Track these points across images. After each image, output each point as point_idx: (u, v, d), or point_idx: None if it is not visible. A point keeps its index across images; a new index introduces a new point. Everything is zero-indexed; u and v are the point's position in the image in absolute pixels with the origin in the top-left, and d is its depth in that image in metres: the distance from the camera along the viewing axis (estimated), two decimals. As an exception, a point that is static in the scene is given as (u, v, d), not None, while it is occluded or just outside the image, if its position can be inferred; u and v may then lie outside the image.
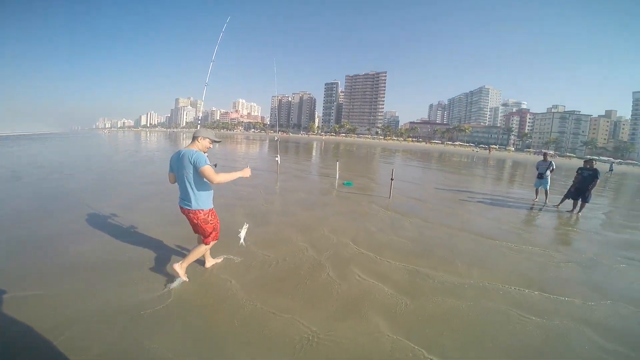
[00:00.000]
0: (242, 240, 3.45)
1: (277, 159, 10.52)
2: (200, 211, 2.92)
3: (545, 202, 8.71)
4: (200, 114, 7.12)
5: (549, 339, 2.55)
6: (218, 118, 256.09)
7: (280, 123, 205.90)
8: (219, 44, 5.47)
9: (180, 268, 3.01)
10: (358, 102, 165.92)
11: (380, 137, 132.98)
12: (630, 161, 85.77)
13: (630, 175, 34.94)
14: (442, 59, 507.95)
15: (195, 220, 2.95)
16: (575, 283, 3.66)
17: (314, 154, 26.29)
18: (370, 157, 26.19)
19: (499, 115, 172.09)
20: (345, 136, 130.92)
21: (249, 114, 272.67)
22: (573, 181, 7.95)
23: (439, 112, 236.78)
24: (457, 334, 2.54)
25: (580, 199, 7.62)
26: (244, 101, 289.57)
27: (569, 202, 7.97)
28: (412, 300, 2.99)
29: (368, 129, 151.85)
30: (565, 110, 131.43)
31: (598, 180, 7.48)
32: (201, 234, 3.07)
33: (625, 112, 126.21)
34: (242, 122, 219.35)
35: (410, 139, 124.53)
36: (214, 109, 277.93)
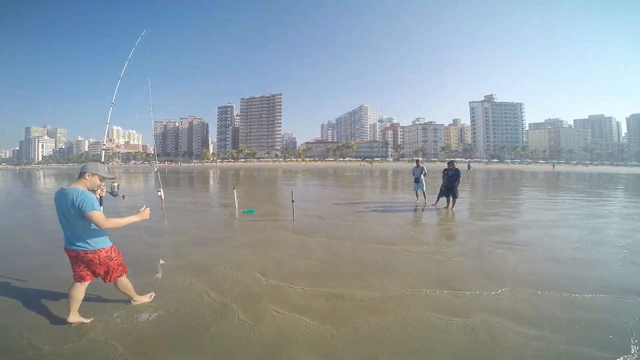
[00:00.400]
0: (159, 274, 3.43)
1: (159, 193, 9.04)
2: (101, 250, 2.76)
3: (425, 203, 10.25)
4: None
5: (478, 337, 2.68)
6: (86, 149, 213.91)
7: (168, 152, 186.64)
8: (129, 60, 4.78)
9: (139, 300, 3.13)
10: (255, 125, 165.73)
11: (280, 159, 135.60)
12: (476, 159, 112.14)
13: (478, 170, 46.11)
14: (329, 80, 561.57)
15: (96, 261, 2.74)
16: (473, 275, 4.12)
17: (210, 183, 24.50)
18: (273, 181, 26.12)
19: (377, 130, 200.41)
20: (245, 161, 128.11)
21: (126, 142, 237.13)
22: (442, 181, 9.59)
23: (330, 131, 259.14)
24: (392, 352, 2.50)
25: (450, 195, 9.22)
26: (119, 128, 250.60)
27: (443, 200, 9.58)
28: (337, 327, 2.84)
29: (267, 152, 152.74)
30: (425, 121, 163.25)
31: (460, 178, 9.16)
32: (104, 274, 2.84)
33: (466, 119, 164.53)
34: (119, 152, 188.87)
35: (307, 159, 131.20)
36: (80, 138, 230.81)
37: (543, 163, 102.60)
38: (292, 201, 7.61)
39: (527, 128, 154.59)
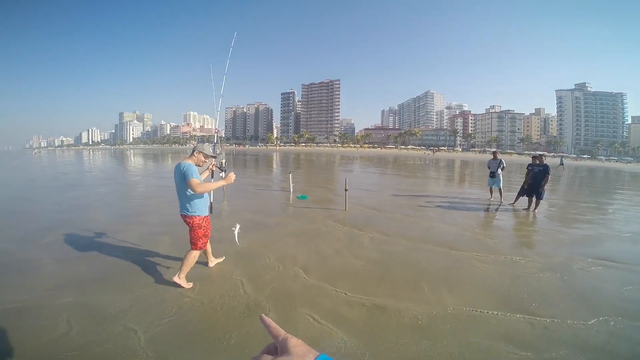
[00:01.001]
0: (236, 239, 3.72)
1: (222, 174, 9.39)
2: (195, 217, 3.13)
3: (500, 201, 8.83)
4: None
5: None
6: (168, 132, 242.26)
7: (237, 135, 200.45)
8: (229, 58, 5.25)
9: (179, 279, 3.15)
10: (315, 110, 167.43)
11: (339, 144, 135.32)
12: (563, 154, 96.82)
13: (581, 168, 39.20)
14: (391, 66, 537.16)
15: (189, 225, 3.14)
16: (557, 297, 3.28)
17: (273, 166, 25.35)
18: (329, 166, 25.92)
19: (444, 117, 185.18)
20: (305, 146, 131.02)
21: (201, 127, 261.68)
22: (525, 178, 8.07)
23: (391, 118, 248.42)
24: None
25: (534, 196, 7.72)
26: (195, 114, 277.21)
27: (523, 200, 8.09)
28: (374, 350, 2.34)
29: (326, 137, 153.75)
30: (502, 110, 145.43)
31: (549, 176, 7.59)
32: (191, 239, 3.19)
33: (551, 109, 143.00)
34: (195, 135, 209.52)
35: (366, 146, 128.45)
36: (162, 122, 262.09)
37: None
38: (345, 190, 7.11)
39: (630, 121, 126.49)
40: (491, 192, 9.32)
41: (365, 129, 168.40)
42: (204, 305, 2.91)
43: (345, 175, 14.55)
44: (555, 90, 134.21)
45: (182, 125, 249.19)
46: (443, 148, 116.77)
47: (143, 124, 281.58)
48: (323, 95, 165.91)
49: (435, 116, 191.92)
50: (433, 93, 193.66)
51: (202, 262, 3.80)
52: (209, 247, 3.65)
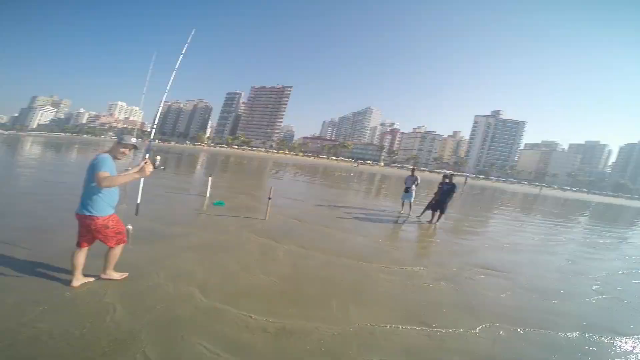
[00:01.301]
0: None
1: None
2: (95, 217, 2.81)
3: (409, 214, 9.60)
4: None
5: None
6: (84, 121, 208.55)
7: (164, 131, 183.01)
8: (183, 54, 4.92)
9: (107, 274, 3.16)
10: (259, 114, 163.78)
11: (274, 150, 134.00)
12: (464, 173, 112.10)
13: (475, 186, 46.01)
14: (338, 78, 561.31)
15: (92, 227, 2.84)
16: (450, 306, 3.61)
17: (197, 167, 23.47)
18: (258, 172, 25.21)
19: (377, 133, 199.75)
20: (238, 148, 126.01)
21: (126, 118, 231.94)
22: (435, 193, 8.84)
23: (330, 129, 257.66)
24: None
25: (438, 210, 8.53)
26: (124, 104, 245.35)
27: (428, 213, 8.90)
28: None
29: (263, 142, 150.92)
30: (426, 130, 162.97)
31: (454, 194, 8.52)
32: (103, 240, 2.96)
33: (467, 132, 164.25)
34: (115, 127, 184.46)
35: (301, 154, 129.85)
36: (82, 110, 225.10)
37: (526, 184, 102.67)
38: (269, 198, 6.81)
39: (522, 147, 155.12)
40: (403, 205, 10.10)
41: (304, 137, 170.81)
42: (53, 339, 2.27)
43: (273, 182, 14.25)
44: (475, 115, 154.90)
45: (103, 115, 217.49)
46: (368, 162, 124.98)
47: (57, 110, 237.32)
48: (271, 100, 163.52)
49: (369, 131, 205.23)
50: (372, 109, 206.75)
51: (65, 280, 3.06)
52: (116, 255, 3.17)
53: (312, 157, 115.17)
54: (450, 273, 4.73)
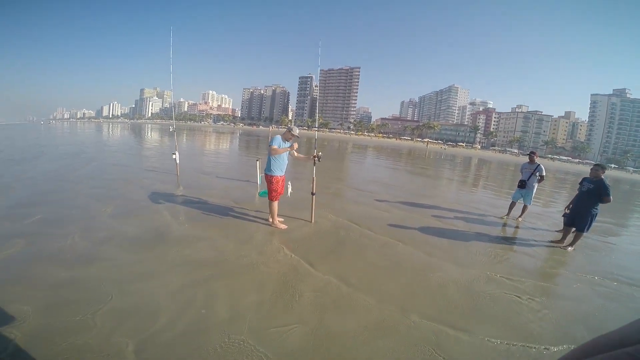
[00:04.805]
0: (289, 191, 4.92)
1: (174, 156, 7.57)
2: (269, 175, 4.38)
3: (518, 218, 6.74)
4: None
5: None
6: (186, 109, 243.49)
7: (252, 116, 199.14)
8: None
9: (273, 224, 4.61)
10: (332, 96, 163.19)
11: (352, 132, 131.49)
12: (587, 161, 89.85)
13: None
14: (414, 58, 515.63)
15: (267, 181, 4.43)
16: None
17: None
18: (337, 154, 23.69)
19: (467, 113, 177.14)
20: (317, 130, 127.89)
21: (219, 106, 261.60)
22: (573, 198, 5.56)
23: (410, 109, 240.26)
24: None
25: (575, 227, 5.22)
26: (214, 93, 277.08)
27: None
28: None
29: (341, 124, 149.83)
30: (529, 110, 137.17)
31: (605, 198, 4.89)
32: (268, 192, 4.49)
33: (582, 114, 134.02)
34: (211, 114, 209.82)
35: (380, 135, 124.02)
36: (182, 99, 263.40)
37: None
38: (312, 194, 4.99)
39: None
40: (510, 207, 6.96)
41: (382, 118, 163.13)
42: None
43: (355, 166, 12.50)
44: (591, 95, 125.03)
45: (200, 104, 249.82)
46: (461, 144, 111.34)
47: (162, 100, 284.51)
48: (341, 82, 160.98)
49: (457, 111, 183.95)
50: (457, 87, 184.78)
51: None
52: (274, 209, 4.57)
53: (394, 139, 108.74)
54: None
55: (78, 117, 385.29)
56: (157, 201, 5.74)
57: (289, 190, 4.83)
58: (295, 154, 4.47)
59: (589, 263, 4.68)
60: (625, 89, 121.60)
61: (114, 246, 3.62)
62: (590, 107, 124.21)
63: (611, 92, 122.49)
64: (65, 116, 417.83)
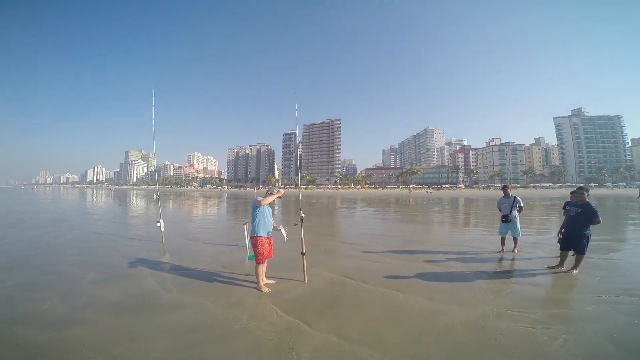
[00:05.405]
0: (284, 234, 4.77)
1: (158, 224, 7.44)
2: (252, 238, 4.41)
3: (513, 250, 6.82)
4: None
5: None
6: (171, 173, 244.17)
7: (238, 177, 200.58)
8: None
9: (259, 287, 4.48)
10: (316, 152, 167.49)
11: (339, 186, 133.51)
12: (568, 184, 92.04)
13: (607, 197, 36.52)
14: (390, 105, 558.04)
15: (253, 243, 4.40)
16: None
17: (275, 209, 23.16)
18: (327, 210, 23.76)
19: (445, 154, 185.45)
20: (305, 188, 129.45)
21: (204, 168, 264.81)
22: (562, 223, 5.78)
23: (392, 156, 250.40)
24: None
25: (572, 250, 5.38)
26: (199, 154, 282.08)
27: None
28: None
29: (327, 179, 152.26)
30: (502, 142, 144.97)
31: (595, 220, 5.09)
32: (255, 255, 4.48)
33: (551, 138, 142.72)
34: (197, 177, 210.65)
35: (367, 186, 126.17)
36: (167, 162, 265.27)
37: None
38: (303, 254, 4.89)
39: (630, 144, 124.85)
40: (503, 242, 7.02)
41: (367, 169, 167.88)
42: None
43: (345, 220, 12.53)
44: (553, 118, 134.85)
45: (185, 167, 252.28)
46: (445, 186, 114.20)
47: (147, 164, 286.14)
48: (324, 136, 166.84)
49: (436, 153, 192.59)
50: (432, 129, 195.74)
51: None
52: (260, 273, 4.56)
53: (380, 189, 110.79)
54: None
55: (61, 181, 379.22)
56: (142, 268, 5.56)
57: (284, 234, 4.73)
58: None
59: (599, 283, 4.68)
60: (580, 108, 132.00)
61: (96, 311, 3.50)
62: (556, 131, 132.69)
63: (570, 113, 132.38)
64: (48, 180, 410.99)
